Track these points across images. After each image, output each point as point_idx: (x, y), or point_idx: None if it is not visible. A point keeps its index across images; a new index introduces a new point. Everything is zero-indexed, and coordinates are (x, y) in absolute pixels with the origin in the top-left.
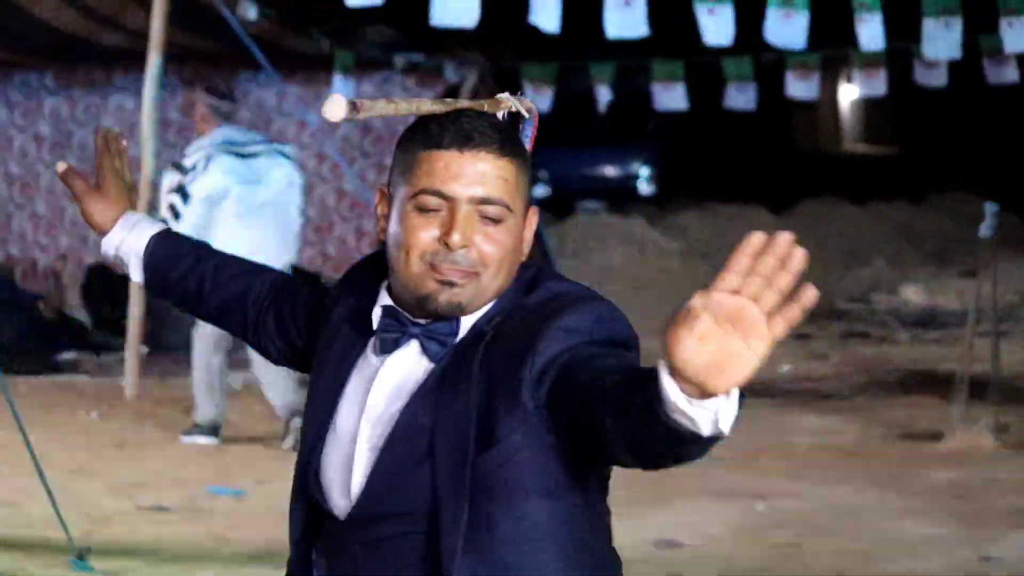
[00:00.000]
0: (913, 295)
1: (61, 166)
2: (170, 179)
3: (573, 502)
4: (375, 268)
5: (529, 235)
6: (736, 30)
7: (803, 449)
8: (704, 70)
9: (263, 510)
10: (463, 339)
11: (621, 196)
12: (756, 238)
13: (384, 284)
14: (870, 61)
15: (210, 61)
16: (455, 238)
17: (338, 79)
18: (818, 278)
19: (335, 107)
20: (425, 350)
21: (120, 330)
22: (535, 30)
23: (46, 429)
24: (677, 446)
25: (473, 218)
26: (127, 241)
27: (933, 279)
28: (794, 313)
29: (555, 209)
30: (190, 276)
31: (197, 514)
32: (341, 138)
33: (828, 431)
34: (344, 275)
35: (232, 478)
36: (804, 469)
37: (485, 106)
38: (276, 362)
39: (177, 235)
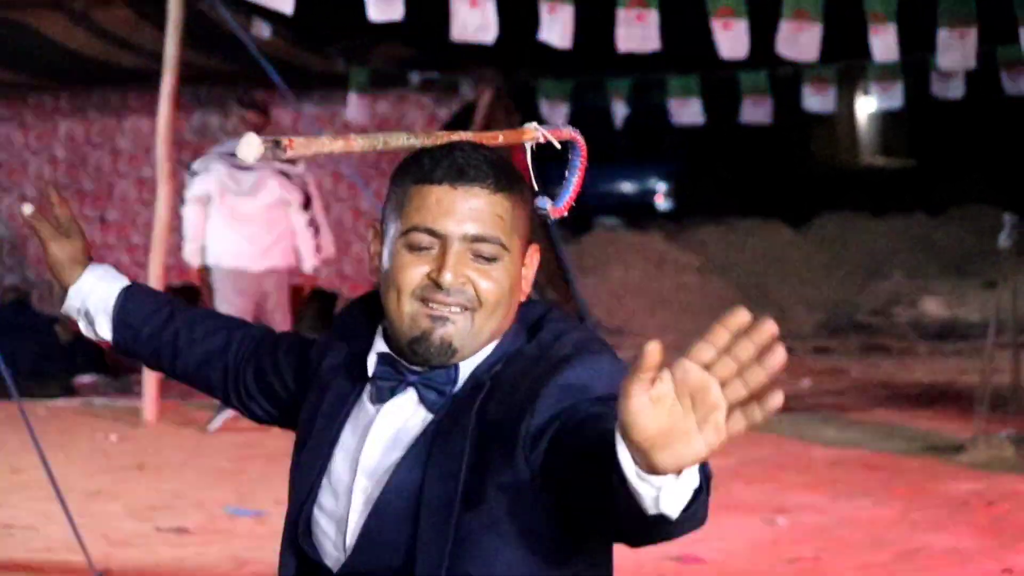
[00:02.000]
0: (933, 307)
1: (27, 208)
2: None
3: (565, 573)
4: (368, 311)
5: (530, 275)
6: (751, 44)
7: (824, 463)
8: (720, 84)
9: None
10: (461, 389)
11: (639, 212)
12: (741, 315)
13: (380, 329)
14: (886, 73)
15: (225, 81)
16: (446, 277)
17: (353, 97)
18: (837, 292)
19: (248, 148)
20: (423, 399)
21: None
22: (550, 46)
23: (65, 452)
24: (631, 522)
25: (466, 257)
26: (96, 292)
27: (953, 291)
28: (758, 416)
29: (572, 226)
30: (164, 331)
31: (217, 535)
32: (358, 157)
33: (849, 444)
34: (335, 321)
35: (251, 499)
36: (825, 483)
37: (500, 138)
38: (260, 421)
39: (148, 289)
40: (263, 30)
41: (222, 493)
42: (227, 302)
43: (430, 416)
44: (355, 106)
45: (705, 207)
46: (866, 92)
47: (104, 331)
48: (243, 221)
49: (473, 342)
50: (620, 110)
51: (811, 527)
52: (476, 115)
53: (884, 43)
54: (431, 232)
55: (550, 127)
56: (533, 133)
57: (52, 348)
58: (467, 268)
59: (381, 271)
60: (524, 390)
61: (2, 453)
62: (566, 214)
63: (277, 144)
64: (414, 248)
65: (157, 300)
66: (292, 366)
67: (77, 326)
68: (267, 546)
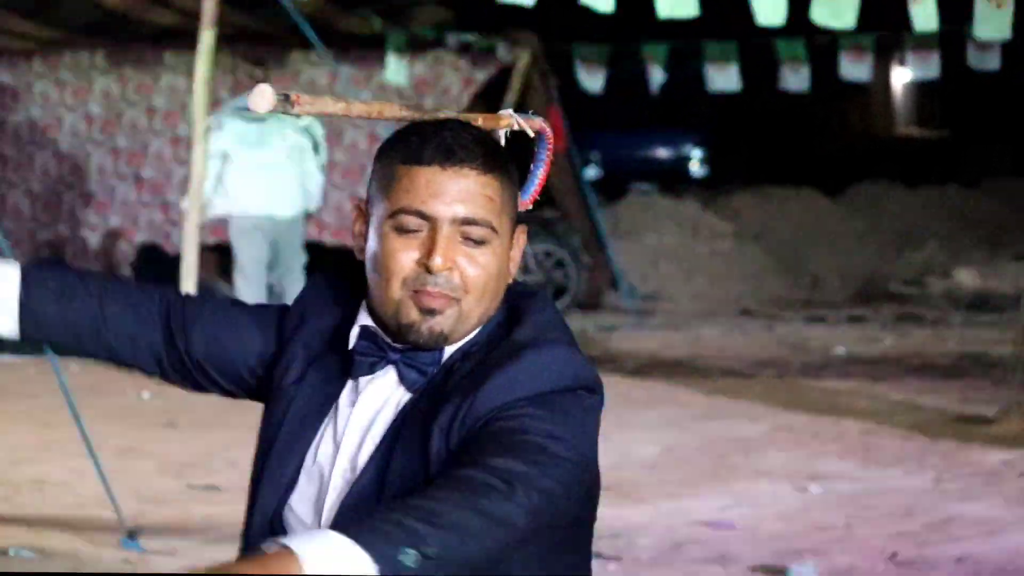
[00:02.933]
0: (967, 278)
1: None
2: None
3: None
4: (346, 284)
5: (517, 256)
6: (789, 11)
7: (856, 431)
8: (757, 52)
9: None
10: (436, 374)
11: (673, 178)
12: None
13: (363, 303)
14: (923, 44)
15: (262, 40)
16: (436, 261)
17: (391, 59)
18: (871, 261)
19: (261, 98)
20: (403, 378)
21: None
22: (587, 10)
23: (97, 409)
24: None
25: (455, 239)
26: None
27: (987, 263)
28: None
29: (607, 191)
30: (81, 301)
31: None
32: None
33: (881, 413)
34: (307, 291)
35: None
36: (857, 451)
37: (479, 120)
38: (203, 391)
39: (53, 265)
40: None
41: (254, 451)
42: (249, 250)
43: (408, 396)
44: (393, 68)
45: (740, 174)
46: (902, 62)
47: (8, 323)
48: (266, 170)
49: (462, 328)
50: (656, 76)
51: (843, 495)
52: (512, 79)
53: (924, 12)
54: (420, 214)
55: (525, 116)
56: (509, 120)
57: None
58: (456, 252)
59: (367, 252)
60: (477, 375)
61: (34, 409)
62: (531, 207)
63: (286, 98)
64: (402, 230)
65: (67, 274)
66: (259, 335)
67: None
68: None
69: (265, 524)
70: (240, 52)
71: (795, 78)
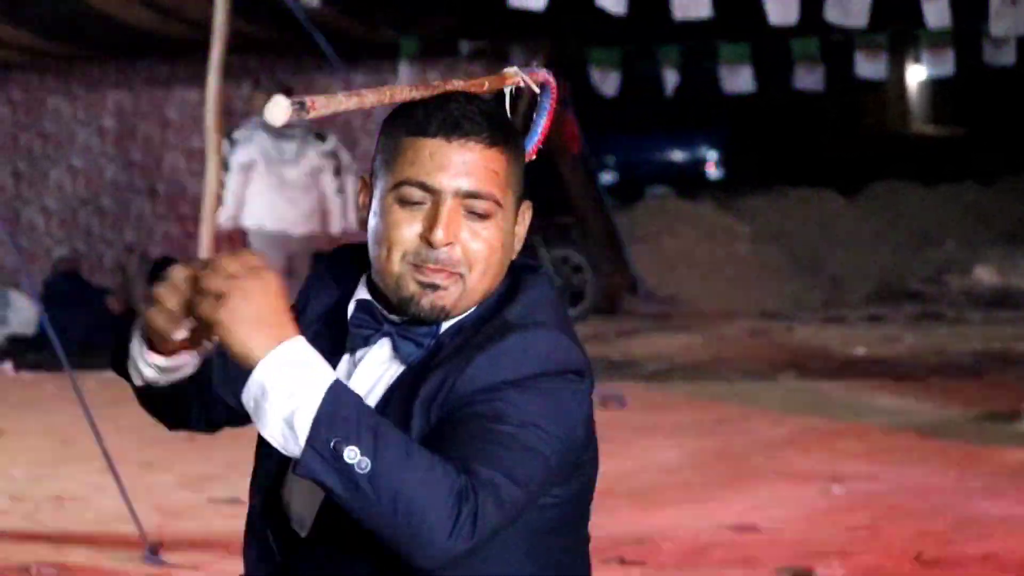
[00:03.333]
0: (985, 276)
1: None
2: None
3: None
4: (354, 260)
5: (522, 232)
6: (802, 10)
7: (878, 431)
8: (771, 52)
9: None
10: (428, 349)
11: (689, 181)
12: None
13: (364, 277)
14: (938, 41)
15: (274, 51)
16: (438, 234)
17: (403, 67)
18: (890, 261)
19: (276, 109)
20: (397, 350)
21: None
22: (601, 14)
23: (116, 424)
24: None
25: (458, 213)
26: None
27: (1005, 259)
28: None
29: (623, 195)
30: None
31: None
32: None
33: (903, 412)
34: (309, 278)
35: None
36: (880, 451)
37: (486, 84)
38: (211, 428)
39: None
40: None
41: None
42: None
43: (402, 370)
44: (406, 75)
45: (756, 175)
46: (917, 60)
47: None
48: (285, 187)
49: (466, 301)
50: (670, 78)
51: (867, 495)
52: (526, 84)
53: (937, 9)
54: (423, 187)
55: (528, 70)
56: (514, 78)
57: (103, 319)
58: (459, 226)
59: (370, 225)
60: (462, 353)
61: (53, 424)
62: (534, 157)
63: (302, 105)
64: (405, 203)
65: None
66: None
67: (127, 297)
68: None
69: (264, 503)
70: (266, 79)
71: (810, 77)
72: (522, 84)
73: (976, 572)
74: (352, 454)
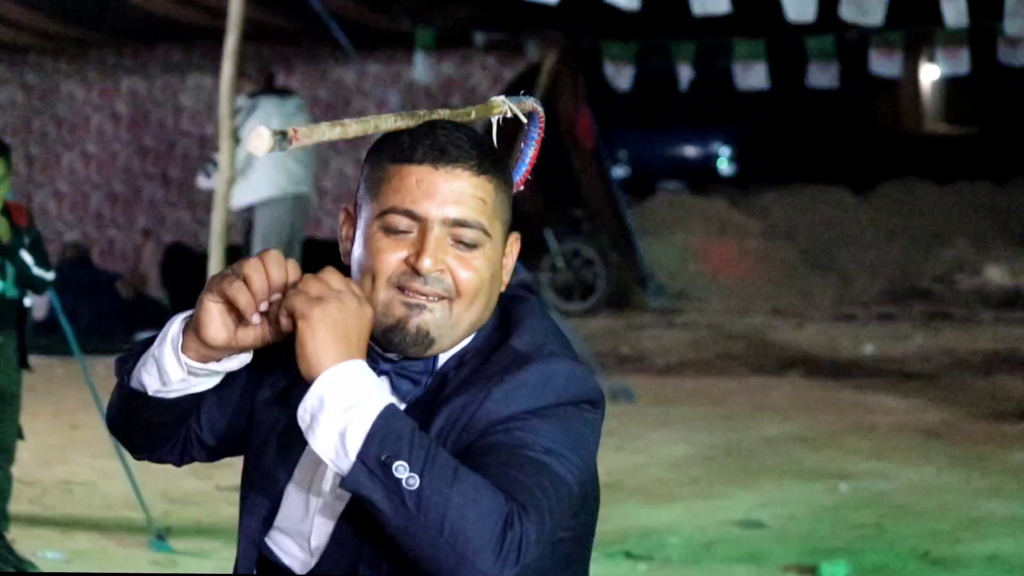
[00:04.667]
0: (997, 275)
1: None
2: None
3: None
4: None
5: (509, 265)
6: (819, 7)
7: (887, 429)
8: (786, 49)
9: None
10: (430, 383)
11: (702, 176)
12: None
13: None
14: (953, 39)
15: (288, 39)
16: (425, 263)
17: (419, 57)
18: (901, 259)
19: (258, 140)
20: (395, 389)
21: None
22: (616, 8)
23: None
24: None
25: (445, 242)
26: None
27: (1017, 260)
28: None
29: (635, 190)
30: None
31: None
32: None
33: (912, 411)
34: None
35: None
36: (888, 449)
37: (472, 113)
38: (186, 461)
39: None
40: None
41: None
42: (278, 232)
43: (402, 407)
44: (421, 66)
45: (769, 172)
46: (932, 58)
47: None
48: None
49: (451, 333)
50: (684, 73)
51: (874, 494)
52: (541, 77)
53: (954, 8)
54: (410, 215)
55: (516, 100)
56: (501, 107)
57: (112, 304)
58: (446, 254)
59: (353, 255)
60: (475, 384)
61: (62, 410)
62: (522, 188)
63: (284, 136)
64: (391, 231)
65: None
66: (242, 371)
67: (138, 282)
68: None
69: (251, 549)
70: (250, 65)
71: (824, 75)
72: (509, 114)
73: (982, 571)
74: (401, 469)
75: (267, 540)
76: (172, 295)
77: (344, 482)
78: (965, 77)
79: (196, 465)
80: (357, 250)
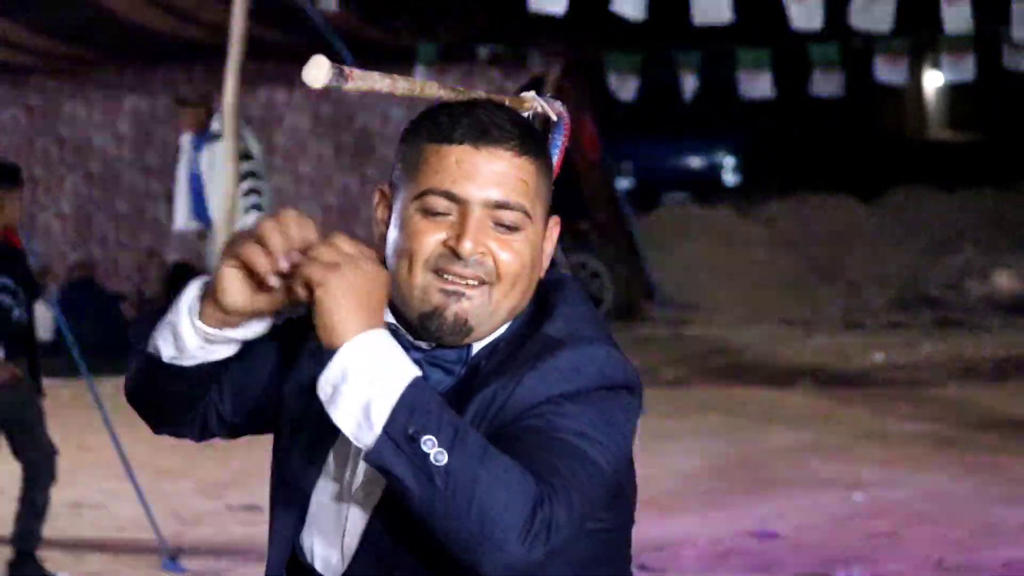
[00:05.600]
0: (1005, 281)
1: None
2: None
3: (580, 553)
4: None
5: (549, 249)
6: (824, 15)
7: (899, 438)
8: (790, 57)
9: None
10: (462, 373)
11: (707, 187)
12: None
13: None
14: (957, 46)
15: (290, 56)
16: (466, 245)
17: (420, 71)
18: (909, 266)
19: (316, 71)
20: (426, 378)
21: None
22: (619, 19)
23: (132, 430)
24: None
25: (486, 224)
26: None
27: None
28: None
29: (640, 201)
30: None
31: None
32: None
33: (924, 419)
34: None
35: None
36: (900, 458)
37: (506, 101)
38: (206, 437)
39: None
40: (330, 3)
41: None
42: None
43: None
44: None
45: (774, 181)
46: (935, 65)
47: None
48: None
49: (490, 320)
50: (689, 83)
51: (888, 502)
52: (544, 89)
53: (958, 14)
54: (449, 196)
55: (547, 99)
56: (532, 103)
57: (118, 325)
58: (487, 237)
59: (389, 238)
60: (507, 372)
61: (70, 431)
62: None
63: (341, 72)
64: (429, 213)
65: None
66: (271, 352)
67: (143, 302)
68: None
69: (283, 547)
70: (186, 89)
71: (829, 83)
72: (539, 110)
73: None
74: (430, 444)
75: (300, 539)
76: None
77: (368, 456)
78: (968, 83)
79: (207, 484)
80: (393, 232)
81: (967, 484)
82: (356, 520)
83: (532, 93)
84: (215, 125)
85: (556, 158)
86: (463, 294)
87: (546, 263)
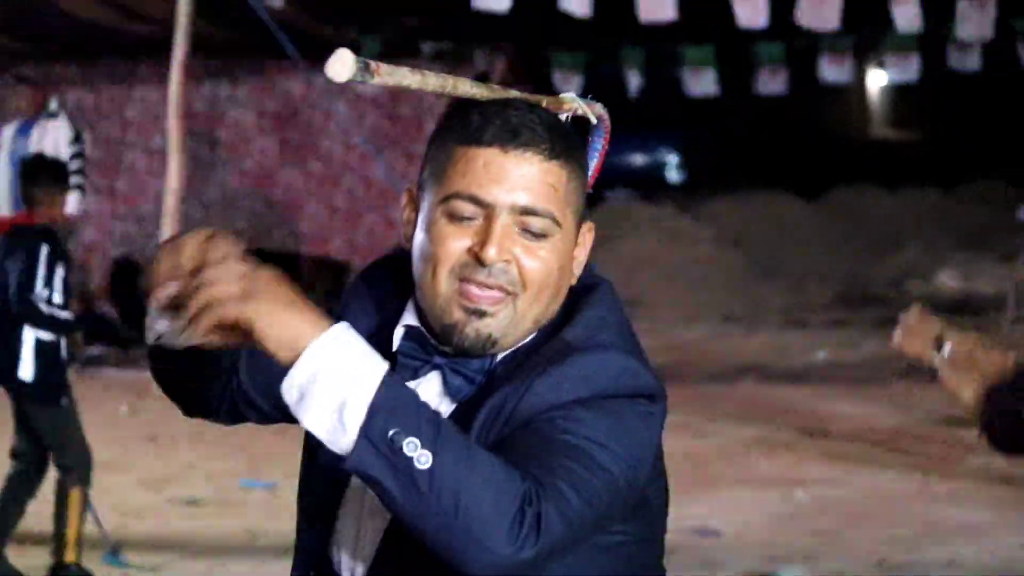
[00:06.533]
0: (948, 280)
1: None
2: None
3: (601, 553)
4: (396, 276)
5: (582, 256)
6: (770, 13)
7: (842, 436)
8: (735, 55)
9: (295, 503)
10: (482, 383)
11: (651, 184)
12: None
13: (410, 300)
14: (903, 45)
15: (235, 51)
16: (490, 252)
17: None
18: (852, 265)
19: (340, 65)
20: (447, 385)
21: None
22: (564, 16)
23: None
24: None
25: (512, 230)
26: None
27: (968, 265)
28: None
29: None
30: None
31: (229, 507)
32: (369, 127)
33: (866, 417)
34: (358, 282)
35: (263, 471)
36: (843, 456)
37: (544, 102)
38: (257, 421)
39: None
40: None
41: (234, 465)
42: None
43: (452, 406)
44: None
45: (718, 179)
46: (881, 64)
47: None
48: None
49: (516, 331)
50: (633, 80)
51: (831, 500)
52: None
53: (907, 13)
54: (475, 200)
55: (587, 101)
56: (571, 104)
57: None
58: (513, 244)
59: (415, 241)
60: (520, 377)
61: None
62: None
63: (366, 67)
64: (455, 217)
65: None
66: None
67: (86, 298)
68: (280, 518)
69: (307, 559)
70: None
71: (774, 81)
72: (579, 112)
73: None
74: (412, 447)
75: (330, 551)
76: (121, 310)
77: (348, 463)
78: (912, 83)
79: (148, 479)
80: (419, 236)
81: (910, 483)
82: (373, 532)
83: (572, 94)
84: (53, 104)
85: (595, 161)
86: (485, 312)
87: (579, 270)
